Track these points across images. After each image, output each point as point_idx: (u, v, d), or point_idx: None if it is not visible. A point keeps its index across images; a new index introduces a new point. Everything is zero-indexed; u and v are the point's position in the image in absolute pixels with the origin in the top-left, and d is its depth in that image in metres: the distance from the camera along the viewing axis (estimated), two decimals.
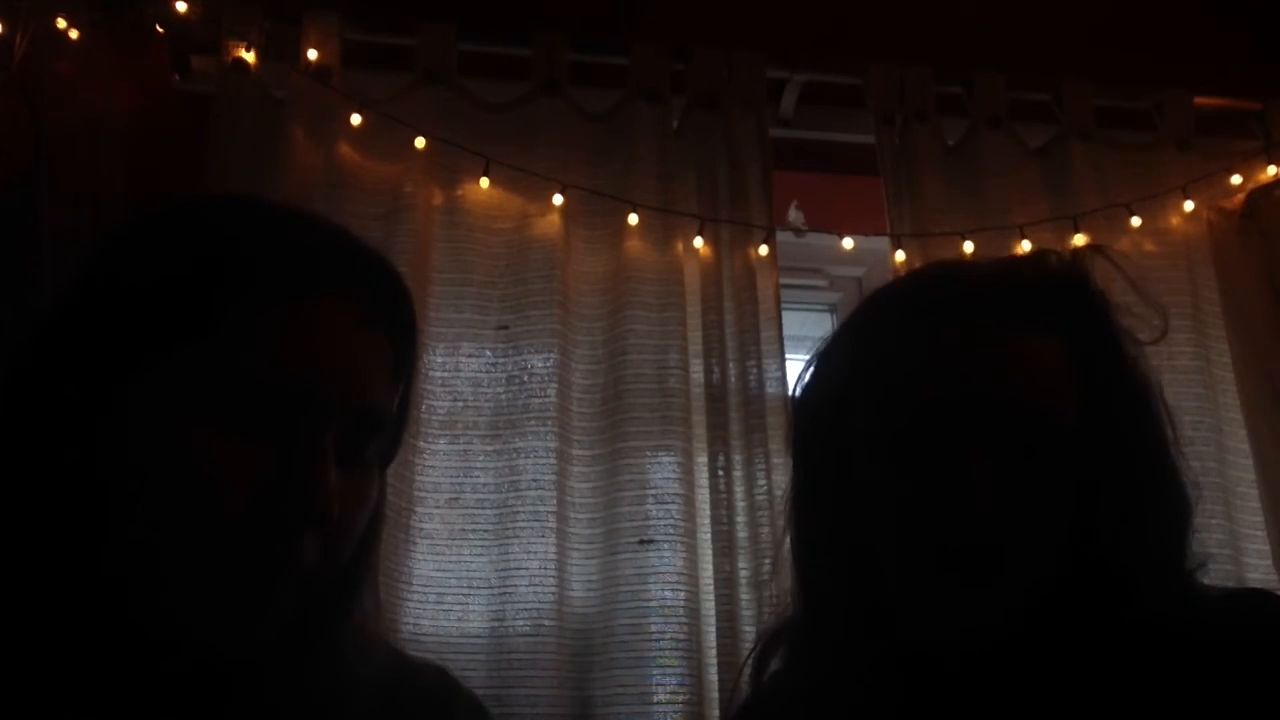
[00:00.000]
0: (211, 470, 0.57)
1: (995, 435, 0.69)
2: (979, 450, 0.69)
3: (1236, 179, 1.97)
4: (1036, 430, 0.70)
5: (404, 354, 0.68)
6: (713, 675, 1.52)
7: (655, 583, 1.54)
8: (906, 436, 0.72)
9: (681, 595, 1.53)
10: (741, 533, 1.59)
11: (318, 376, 0.60)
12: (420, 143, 1.69)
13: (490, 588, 1.53)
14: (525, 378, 1.63)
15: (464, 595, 1.53)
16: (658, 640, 1.51)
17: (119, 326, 0.59)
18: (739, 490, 1.62)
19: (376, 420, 0.64)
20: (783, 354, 1.72)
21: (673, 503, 1.58)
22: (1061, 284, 0.76)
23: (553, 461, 1.57)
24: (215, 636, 0.59)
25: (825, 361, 0.83)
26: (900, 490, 0.72)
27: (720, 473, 1.62)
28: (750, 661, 0.84)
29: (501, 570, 1.53)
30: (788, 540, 0.82)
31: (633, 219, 1.72)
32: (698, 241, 1.74)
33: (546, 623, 1.50)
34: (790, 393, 0.87)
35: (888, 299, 0.81)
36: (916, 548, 0.71)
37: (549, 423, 1.59)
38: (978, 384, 0.71)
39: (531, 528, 1.54)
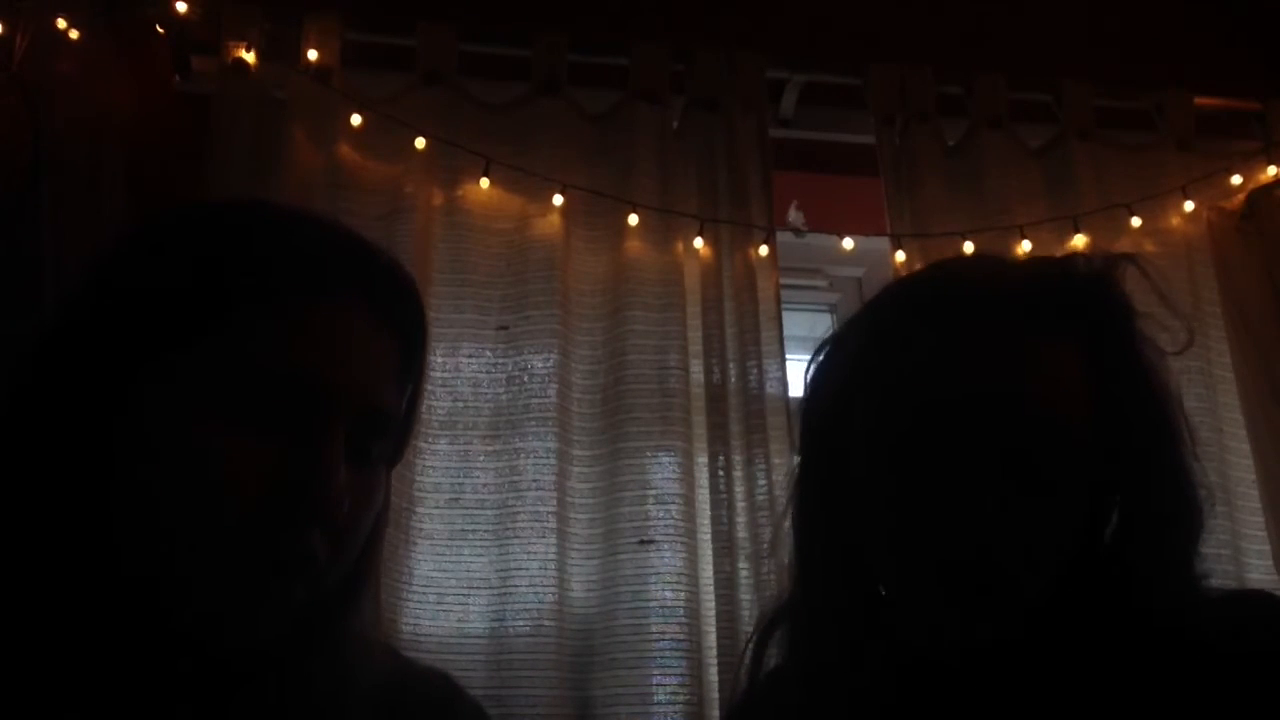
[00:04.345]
0: (223, 464, 0.58)
1: (997, 440, 0.67)
2: (979, 458, 0.67)
3: (1236, 179, 1.97)
4: (1042, 436, 0.67)
5: (413, 355, 0.69)
6: (713, 675, 1.52)
7: (655, 583, 1.53)
8: (904, 441, 0.70)
9: (681, 595, 1.53)
10: (741, 533, 1.59)
11: (328, 374, 0.61)
12: (420, 143, 1.69)
13: (490, 588, 1.53)
14: (525, 378, 1.63)
15: (464, 595, 1.53)
16: (658, 640, 1.51)
17: (134, 323, 0.60)
18: (739, 490, 1.61)
19: (384, 420, 0.65)
20: (783, 354, 1.72)
21: (673, 503, 1.58)
22: (1086, 288, 0.73)
23: (553, 462, 1.57)
24: (224, 630, 0.60)
25: (836, 351, 0.81)
26: (896, 500, 0.70)
27: (720, 473, 1.62)
28: (750, 647, 0.83)
29: (501, 570, 1.53)
30: (788, 522, 0.81)
31: (633, 219, 1.72)
32: (698, 242, 1.74)
33: (546, 623, 1.50)
34: (804, 374, 0.84)
35: (901, 294, 0.79)
36: (911, 561, 0.69)
37: (549, 423, 1.59)
38: (979, 384, 0.68)
39: (531, 528, 1.54)
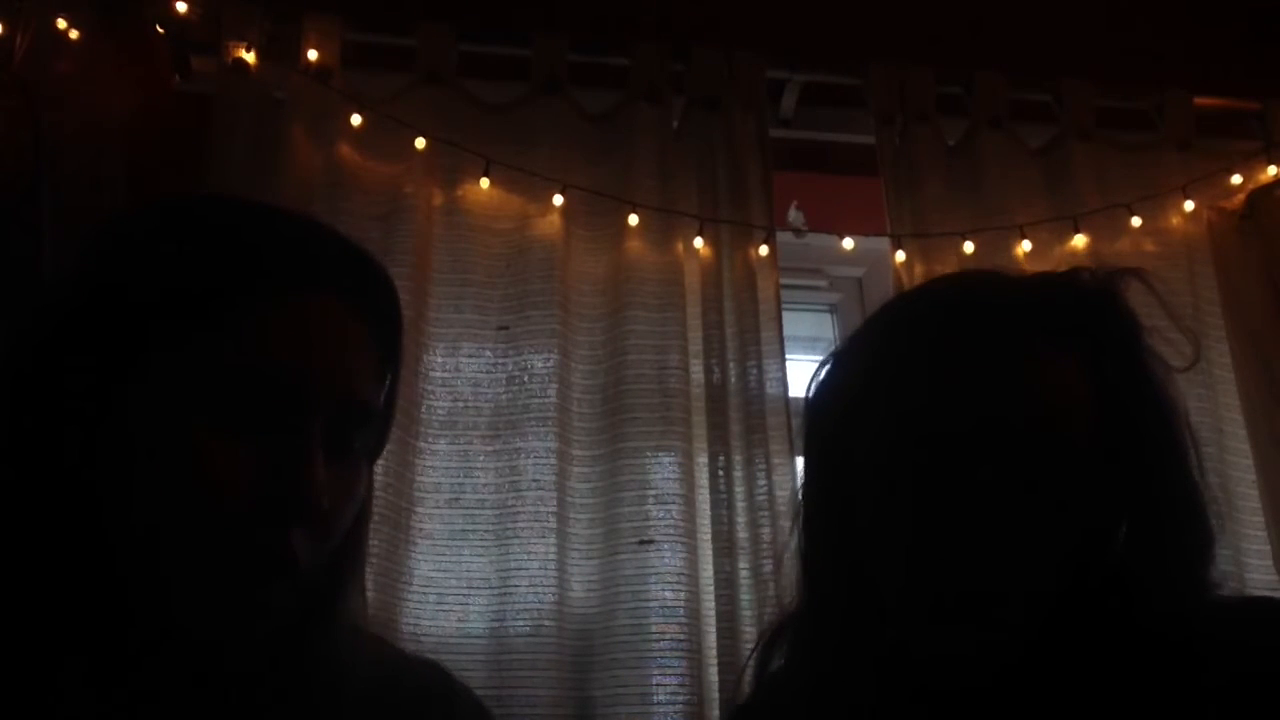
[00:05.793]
0: (206, 464, 0.58)
1: (1000, 465, 0.67)
2: (979, 481, 0.67)
3: (1236, 179, 1.97)
4: (1045, 458, 0.67)
5: (390, 349, 0.69)
6: (713, 675, 1.52)
7: (655, 583, 1.53)
8: (906, 467, 0.70)
9: (681, 595, 1.53)
10: (741, 533, 1.59)
11: (306, 369, 0.61)
12: (420, 143, 1.69)
13: (490, 588, 1.53)
14: (525, 378, 1.63)
15: (464, 595, 1.53)
16: (658, 640, 1.51)
17: (113, 327, 0.60)
18: (739, 490, 1.61)
19: (363, 412, 0.65)
20: (783, 354, 1.72)
21: (673, 503, 1.58)
22: (1090, 305, 0.72)
23: (553, 462, 1.57)
24: (213, 631, 0.60)
25: (840, 368, 0.80)
26: (899, 525, 0.70)
27: (720, 473, 1.62)
28: (753, 658, 0.83)
29: (501, 570, 1.53)
30: (795, 533, 0.81)
31: (633, 219, 1.72)
32: (698, 242, 1.74)
33: (546, 623, 1.50)
34: (805, 391, 0.83)
35: (903, 316, 0.79)
36: (913, 583, 0.69)
37: (549, 423, 1.59)
38: (982, 411, 0.68)
39: (531, 528, 1.54)
